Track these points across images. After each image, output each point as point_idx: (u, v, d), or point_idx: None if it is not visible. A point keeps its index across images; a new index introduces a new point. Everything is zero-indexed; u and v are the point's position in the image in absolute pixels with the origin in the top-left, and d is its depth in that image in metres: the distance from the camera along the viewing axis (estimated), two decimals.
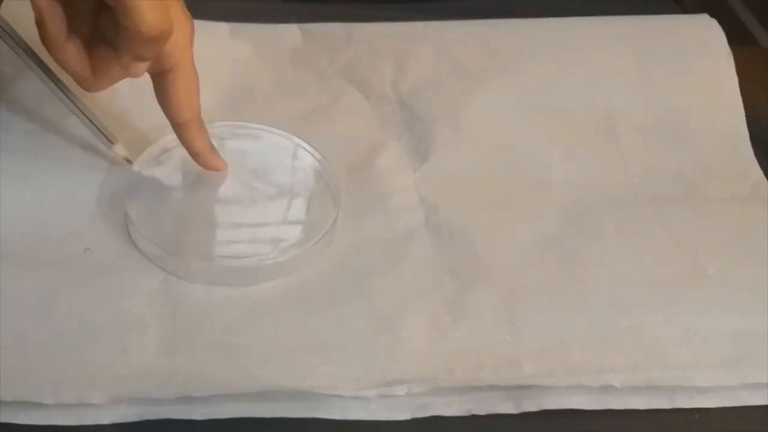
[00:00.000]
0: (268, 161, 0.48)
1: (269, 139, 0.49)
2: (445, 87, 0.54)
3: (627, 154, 0.52)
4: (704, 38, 0.57)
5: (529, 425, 0.39)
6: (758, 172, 0.51)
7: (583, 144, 0.52)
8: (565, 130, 0.53)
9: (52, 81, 0.45)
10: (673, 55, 0.56)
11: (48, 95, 0.46)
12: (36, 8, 0.40)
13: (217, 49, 0.54)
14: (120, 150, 0.46)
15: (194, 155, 0.46)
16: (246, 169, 0.47)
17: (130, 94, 0.48)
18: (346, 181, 0.48)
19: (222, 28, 0.56)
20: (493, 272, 0.44)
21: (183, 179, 0.47)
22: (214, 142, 0.47)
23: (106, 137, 0.46)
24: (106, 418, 0.38)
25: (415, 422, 0.39)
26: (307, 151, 0.49)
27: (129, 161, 0.46)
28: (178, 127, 0.45)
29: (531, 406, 0.39)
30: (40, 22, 0.41)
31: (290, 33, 0.57)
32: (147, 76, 0.44)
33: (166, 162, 0.47)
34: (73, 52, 0.42)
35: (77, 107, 0.46)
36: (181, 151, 0.46)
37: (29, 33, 0.43)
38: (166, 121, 0.45)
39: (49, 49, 0.42)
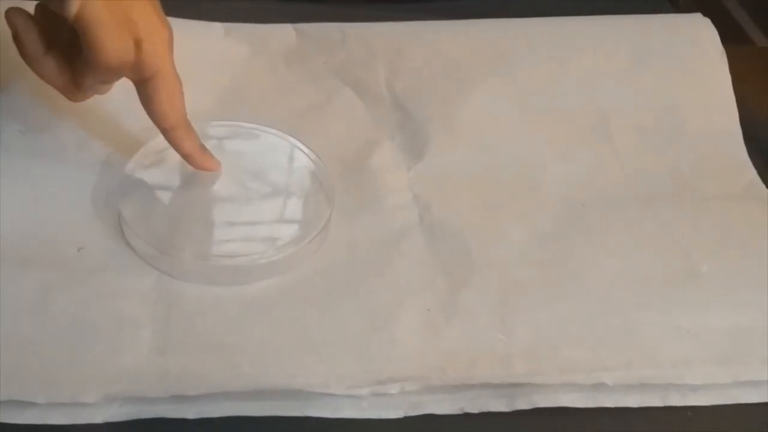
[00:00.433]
0: (263, 160, 0.48)
1: (264, 139, 0.49)
2: (439, 87, 0.54)
3: (621, 154, 0.52)
4: (698, 37, 0.57)
5: (521, 423, 0.39)
6: (752, 171, 0.52)
7: (578, 143, 0.52)
8: (559, 129, 0.53)
9: None
10: (666, 55, 0.56)
11: (42, 95, 0.46)
12: (11, 25, 0.41)
13: (212, 50, 0.54)
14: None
15: (185, 157, 0.46)
16: (240, 168, 0.47)
17: (123, 95, 0.48)
18: (340, 180, 0.48)
19: (217, 28, 0.56)
20: (486, 271, 0.44)
21: (177, 179, 0.47)
22: (209, 142, 0.47)
23: None
24: (99, 417, 0.38)
25: (407, 421, 0.39)
26: (301, 150, 0.49)
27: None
28: (165, 132, 0.45)
29: (524, 404, 0.39)
30: (16, 39, 0.41)
31: (285, 33, 0.57)
32: None
33: (160, 161, 0.47)
34: (52, 67, 0.42)
35: None
36: (175, 151, 0.46)
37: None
38: None
39: (28, 64, 0.42)
